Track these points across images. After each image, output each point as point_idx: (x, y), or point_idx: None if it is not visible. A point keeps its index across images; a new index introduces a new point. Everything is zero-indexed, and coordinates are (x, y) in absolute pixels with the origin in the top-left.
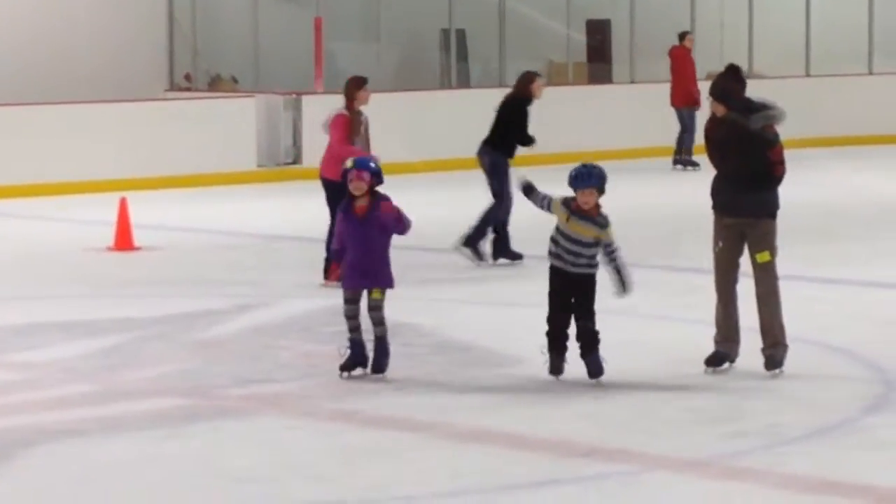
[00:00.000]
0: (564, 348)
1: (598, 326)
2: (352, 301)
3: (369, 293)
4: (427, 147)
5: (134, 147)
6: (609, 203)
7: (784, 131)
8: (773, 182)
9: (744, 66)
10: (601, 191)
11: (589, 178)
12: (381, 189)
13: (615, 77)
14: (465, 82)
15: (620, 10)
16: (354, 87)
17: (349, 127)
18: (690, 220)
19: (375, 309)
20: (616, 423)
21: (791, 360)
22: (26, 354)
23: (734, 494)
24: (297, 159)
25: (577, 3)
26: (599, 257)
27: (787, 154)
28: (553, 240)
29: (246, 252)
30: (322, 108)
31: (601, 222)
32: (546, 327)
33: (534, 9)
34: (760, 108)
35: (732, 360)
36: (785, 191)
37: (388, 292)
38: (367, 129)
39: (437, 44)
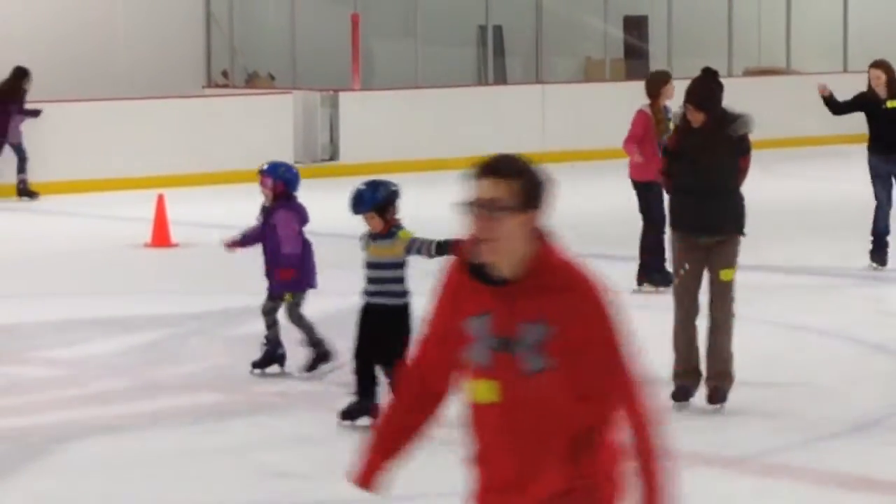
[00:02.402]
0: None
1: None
2: (270, 299)
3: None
4: (463, 143)
5: (171, 144)
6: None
7: (825, 127)
8: (740, 193)
9: (781, 63)
10: (379, 213)
11: (359, 204)
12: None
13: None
14: (501, 78)
15: (658, 6)
16: (659, 83)
17: (646, 125)
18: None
19: (291, 310)
20: None
21: (829, 357)
22: (65, 351)
23: (771, 490)
24: (334, 156)
25: None
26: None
27: (829, 149)
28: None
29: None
30: (359, 104)
31: (392, 233)
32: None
33: (571, 5)
34: (736, 115)
35: (693, 395)
36: (829, 184)
37: (419, 288)
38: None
39: (475, 40)
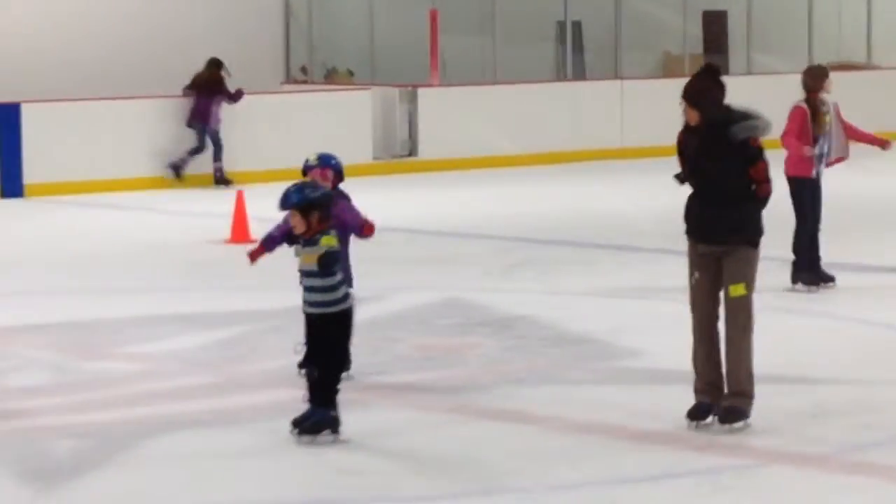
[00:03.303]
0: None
1: (321, 376)
2: None
3: None
4: (542, 140)
5: (250, 139)
6: None
7: None
8: (755, 204)
9: (862, 57)
10: (302, 213)
11: (284, 200)
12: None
13: (731, 69)
14: (580, 74)
15: (737, 0)
16: (818, 77)
17: (803, 120)
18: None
19: None
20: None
21: None
22: (145, 346)
23: (854, 489)
24: (412, 152)
25: None
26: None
27: None
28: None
29: (361, 244)
30: (438, 100)
31: (315, 240)
32: None
33: (650, 0)
34: (742, 117)
35: (713, 412)
36: None
37: (498, 285)
38: (837, 119)
39: (553, 36)
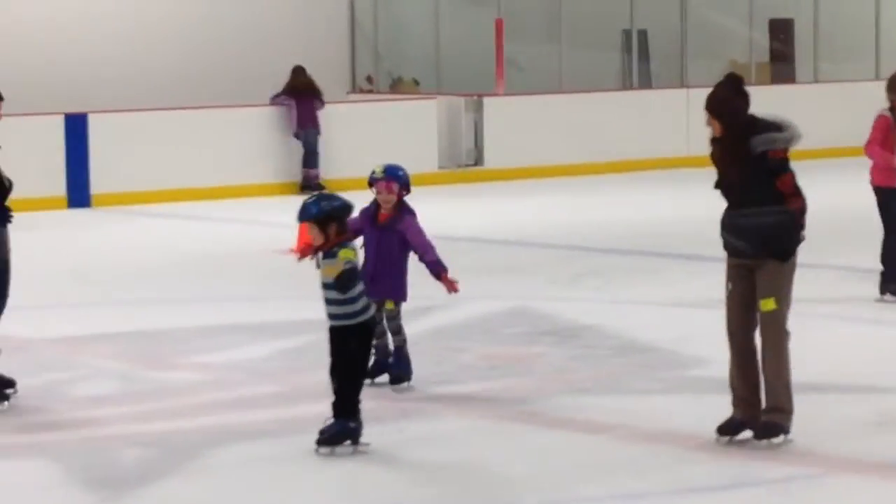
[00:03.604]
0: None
1: (341, 387)
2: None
3: (384, 305)
4: (608, 148)
5: (340, 150)
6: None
7: None
8: (786, 216)
9: None
10: (319, 226)
11: (302, 212)
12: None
13: (798, 77)
14: (646, 83)
15: (804, 9)
16: None
17: (886, 128)
18: None
19: (390, 319)
20: (802, 424)
21: None
22: (211, 356)
23: None
24: (478, 161)
25: (760, 2)
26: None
27: None
28: None
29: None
30: (504, 109)
31: (334, 252)
32: None
33: (716, 9)
34: (766, 127)
35: (743, 429)
36: None
37: (564, 294)
38: None
39: (619, 44)
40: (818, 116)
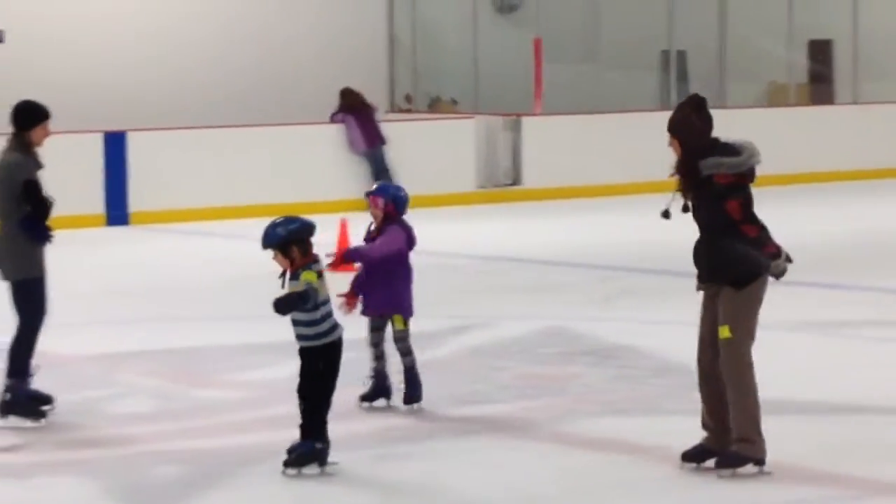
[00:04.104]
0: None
1: (308, 408)
2: (374, 329)
3: (392, 323)
4: (646, 168)
5: (354, 168)
6: (840, 225)
7: None
8: (743, 243)
9: None
10: (282, 251)
11: (263, 240)
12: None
13: (837, 98)
14: None
15: (843, 30)
16: None
17: None
18: None
19: (399, 340)
20: (836, 446)
21: None
22: (248, 374)
23: None
24: (516, 181)
25: (799, 23)
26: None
27: None
28: None
29: (464, 273)
30: (542, 129)
31: (297, 274)
32: None
33: (755, 29)
34: (719, 150)
35: (707, 458)
36: None
37: (601, 314)
38: None
39: (657, 64)
40: (858, 138)
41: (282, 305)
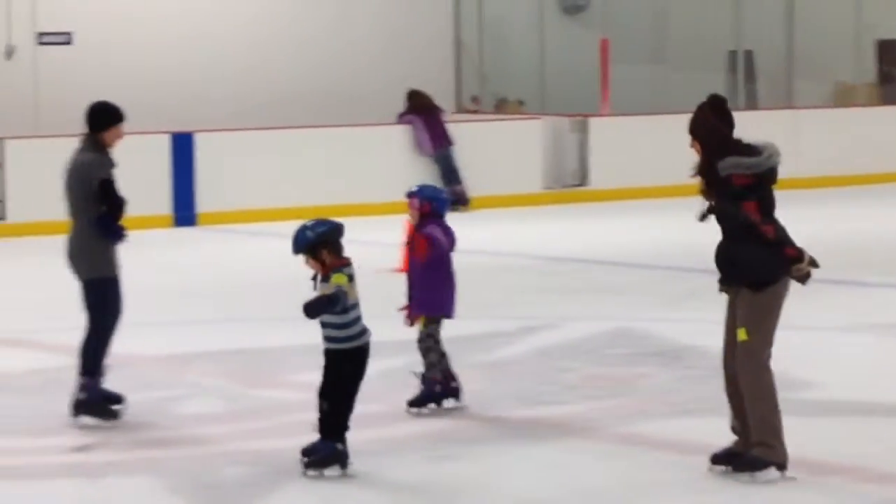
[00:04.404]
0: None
1: (332, 410)
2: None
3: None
4: None
5: (420, 169)
6: None
7: None
8: (762, 245)
9: None
10: (312, 255)
11: (292, 245)
12: None
13: None
14: (752, 103)
15: None
16: None
17: None
18: None
19: (420, 340)
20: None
21: None
22: (313, 374)
23: None
24: (583, 181)
25: (867, 23)
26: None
27: None
28: None
29: (531, 274)
30: (609, 129)
31: (328, 277)
32: None
33: (822, 30)
34: (738, 150)
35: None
36: None
37: (669, 315)
38: None
39: (725, 65)
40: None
41: (311, 309)
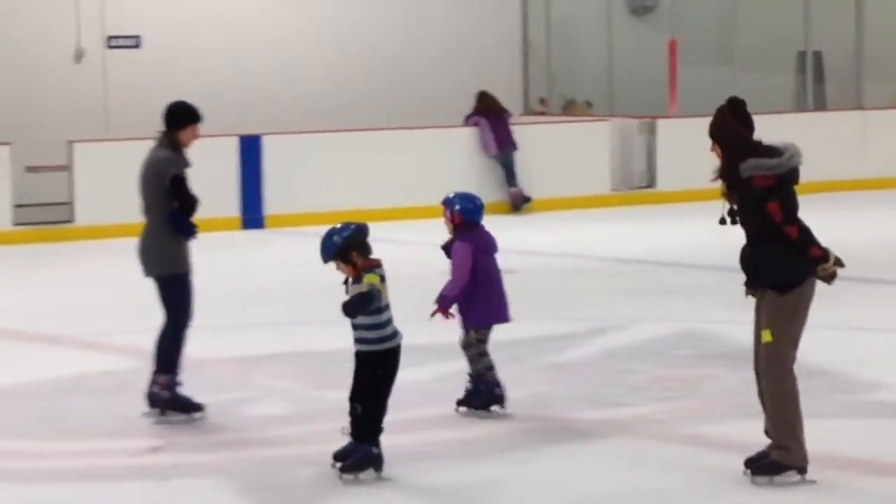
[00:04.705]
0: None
1: (365, 412)
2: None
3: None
4: None
5: (488, 171)
6: None
7: None
8: (787, 246)
9: None
10: (342, 259)
11: (322, 254)
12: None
13: None
14: (821, 104)
15: None
16: None
17: None
18: None
19: (463, 347)
20: None
21: None
22: None
23: None
24: (651, 183)
25: None
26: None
27: None
28: None
29: (599, 275)
30: (677, 131)
31: (360, 278)
32: None
33: (892, 30)
34: (759, 152)
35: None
36: None
37: (736, 317)
38: None
39: (793, 66)
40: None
41: (350, 307)
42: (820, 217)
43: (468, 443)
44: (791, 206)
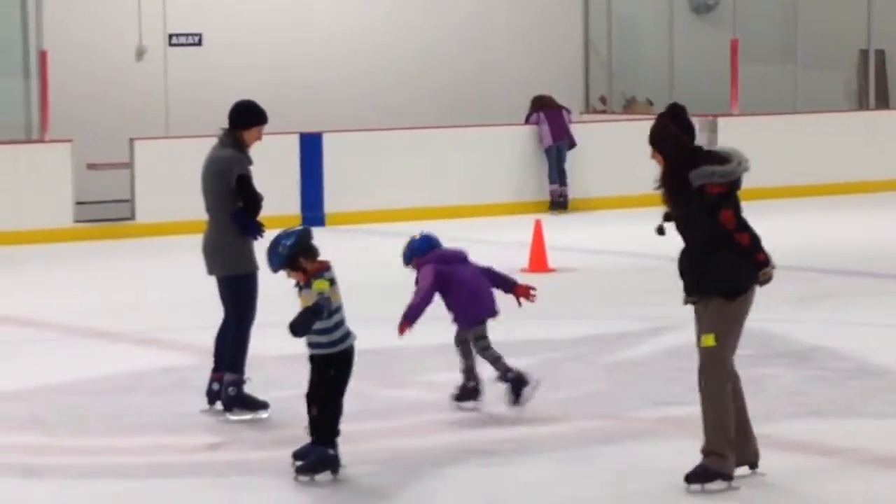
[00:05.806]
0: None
1: (321, 415)
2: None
3: None
4: (843, 169)
5: (541, 169)
6: None
7: None
8: (734, 254)
9: None
10: (291, 267)
11: (270, 264)
12: None
13: None
14: (883, 103)
15: None
16: None
17: None
18: None
19: (473, 342)
20: None
21: None
22: (443, 374)
23: None
24: None
25: None
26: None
27: None
28: None
29: (659, 274)
30: (738, 129)
31: (309, 283)
32: None
33: None
34: (707, 159)
35: (751, 465)
36: None
37: (796, 316)
38: None
39: (855, 64)
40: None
41: (298, 328)
42: (881, 216)
43: (526, 440)
44: (740, 212)
